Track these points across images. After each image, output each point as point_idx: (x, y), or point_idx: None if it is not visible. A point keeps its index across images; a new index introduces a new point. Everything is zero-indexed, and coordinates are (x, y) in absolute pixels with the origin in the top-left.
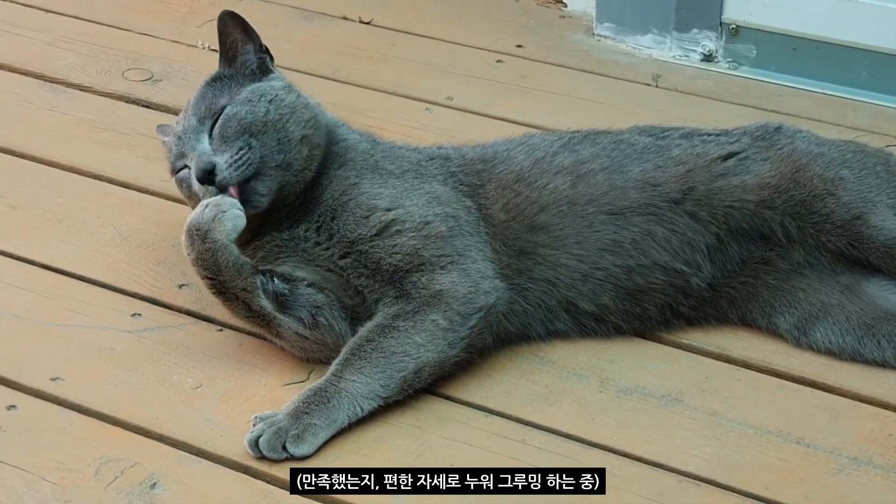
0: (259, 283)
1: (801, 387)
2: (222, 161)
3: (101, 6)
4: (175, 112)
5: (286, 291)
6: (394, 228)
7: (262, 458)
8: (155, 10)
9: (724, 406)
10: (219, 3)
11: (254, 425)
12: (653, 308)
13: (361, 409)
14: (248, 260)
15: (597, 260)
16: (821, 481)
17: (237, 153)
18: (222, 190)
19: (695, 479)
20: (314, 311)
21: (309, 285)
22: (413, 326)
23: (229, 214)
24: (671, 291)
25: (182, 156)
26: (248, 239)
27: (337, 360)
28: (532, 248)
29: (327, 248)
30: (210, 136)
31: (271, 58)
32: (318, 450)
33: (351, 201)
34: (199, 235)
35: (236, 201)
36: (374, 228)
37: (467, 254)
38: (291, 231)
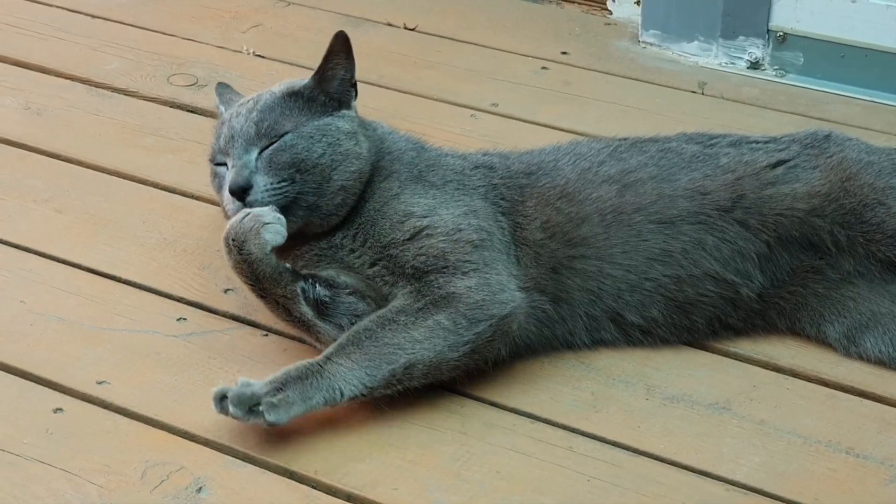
0: (300, 291)
1: (851, 396)
2: (261, 183)
3: (147, 12)
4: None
5: (327, 299)
6: (425, 232)
7: (223, 413)
8: (200, 16)
9: (772, 415)
10: (263, 9)
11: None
12: (701, 320)
13: (341, 394)
14: (288, 267)
15: (646, 270)
16: (871, 492)
17: (278, 183)
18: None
19: (743, 488)
20: (354, 320)
21: (352, 293)
22: (413, 322)
23: (270, 228)
24: (721, 303)
25: (226, 153)
26: (287, 247)
27: (334, 343)
28: (569, 262)
29: (359, 256)
30: (260, 152)
31: (356, 94)
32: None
33: (389, 209)
34: (236, 246)
35: (279, 216)
36: (408, 233)
37: (492, 265)
38: (329, 239)
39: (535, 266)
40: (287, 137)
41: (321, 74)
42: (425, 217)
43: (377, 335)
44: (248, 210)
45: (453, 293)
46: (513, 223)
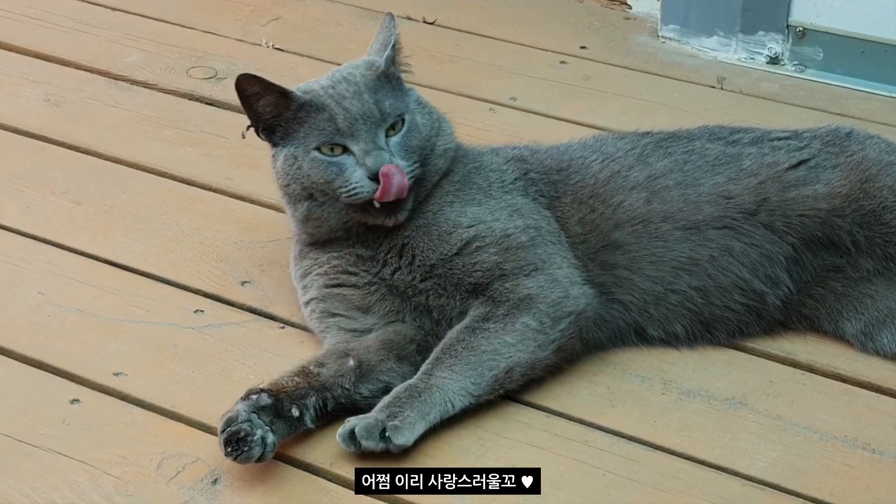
0: (310, 423)
1: (868, 392)
2: (404, 167)
3: (166, 4)
4: (238, 111)
5: (342, 407)
6: (474, 245)
7: (359, 452)
8: (219, 9)
9: (788, 410)
10: (282, 3)
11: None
12: (723, 334)
13: (452, 406)
14: (295, 415)
15: (672, 280)
16: (887, 488)
17: (413, 166)
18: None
19: (759, 483)
20: (381, 392)
21: (370, 378)
22: (503, 328)
23: (267, 450)
24: (745, 315)
25: (349, 136)
26: (327, 248)
27: (428, 360)
28: (610, 265)
29: (408, 274)
30: (385, 135)
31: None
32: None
33: (441, 217)
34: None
35: (258, 438)
36: (455, 247)
37: (551, 260)
38: (374, 249)
39: (586, 259)
40: (408, 118)
41: (393, 55)
42: (471, 227)
43: (472, 344)
44: (226, 437)
45: (529, 295)
46: (555, 215)
